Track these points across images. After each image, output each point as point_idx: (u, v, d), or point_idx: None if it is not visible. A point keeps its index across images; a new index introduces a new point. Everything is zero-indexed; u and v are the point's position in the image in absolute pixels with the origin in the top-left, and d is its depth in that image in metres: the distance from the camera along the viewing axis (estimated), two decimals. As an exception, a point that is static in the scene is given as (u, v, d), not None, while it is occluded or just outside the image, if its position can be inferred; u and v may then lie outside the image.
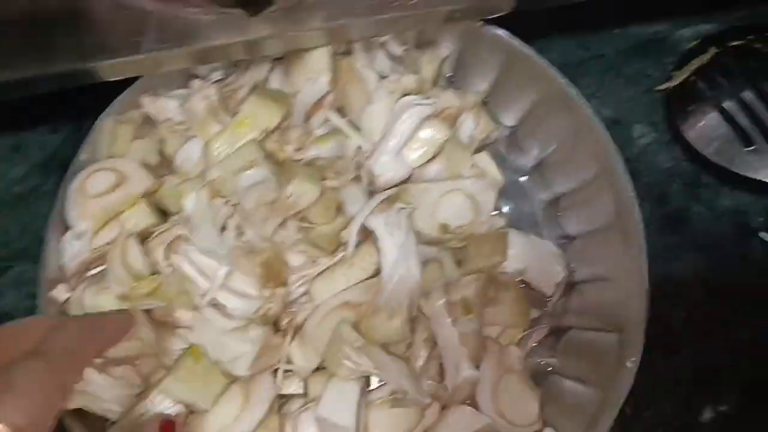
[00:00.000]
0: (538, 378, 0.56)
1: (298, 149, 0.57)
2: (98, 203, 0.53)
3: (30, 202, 0.66)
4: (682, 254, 0.63)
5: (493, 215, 0.59)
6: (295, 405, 0.52)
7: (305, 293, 0.54)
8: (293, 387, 0.53)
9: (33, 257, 0.64)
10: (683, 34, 0.74)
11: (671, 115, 0.68)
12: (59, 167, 0.67)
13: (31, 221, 0.65)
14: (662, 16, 0.75)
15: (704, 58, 0.70)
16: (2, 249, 0.65)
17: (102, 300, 0.50)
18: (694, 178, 0.66)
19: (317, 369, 0.53)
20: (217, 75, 0.60)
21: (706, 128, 0.66)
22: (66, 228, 0.55)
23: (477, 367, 0.52)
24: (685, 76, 0.70)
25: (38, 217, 0.65)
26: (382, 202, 0.54)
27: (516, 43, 0.61)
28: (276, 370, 0.52)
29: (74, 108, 0.69)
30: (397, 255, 0.52)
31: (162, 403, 0.45)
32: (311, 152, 0.56)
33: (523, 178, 0.66)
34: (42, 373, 0.33)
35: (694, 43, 0.72)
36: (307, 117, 0.61)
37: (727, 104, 0.66)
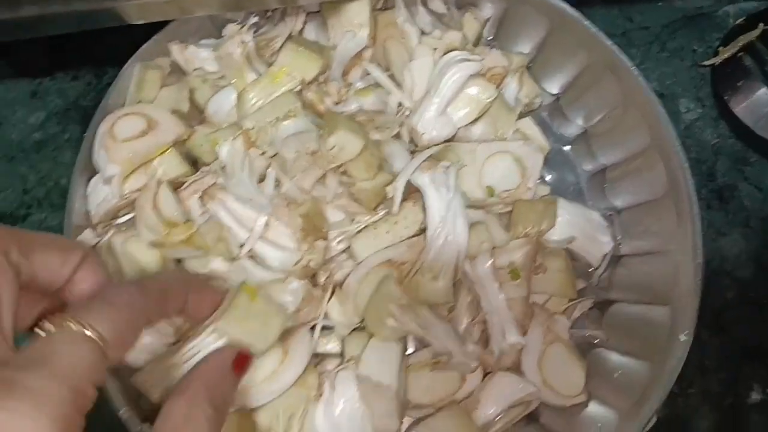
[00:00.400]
0: (582, 350, 0.54)
1: (338, 102, 0.55)
2: (128, 147, 0.51)
3: (49, 150, 0.64)
4: (730, 231, 0.61)
5: (537, 183, 0.57)
6: (330, 365, 0.49)
7: (344, 251, 0.51)
8: (330, 345, 0.50)
9: (53, 205, 0.62)
10: (727, 11, 0.73)
11: (718, 91, 0.66)
12: (79, 116, 0.65)
13: (50, 169, 0.63)
14: (706, -8, 0.73)
15: (753, 34, 0.68)
16: (22, 196, 0.62)
17: (132, 247, 0.47)
18: (741, 155, 0.65)
19: (354, 329, 0.50)
20: (252, 20, 0.57)
21: (755, 103, 0.64)
22: (92, 175, 0.53)
23: (523, 333, 0.50)
24: (732, 51, 0.68)
25: (58, 165, 0.63)
26: (427, 159, 0.52)
27: (562, 5, 0.59)
28: (313, 327, 0.49)
29: (95, 57, 0.67)
30: (444, 214, 0.50)
31: (213, 345, 0.41)
32: (352, 105, 0.54)
33: (566, 148, 0.63)
34: (134, 295, 0.34)
35: (741, 19, 0.71)
36: (345, 72, 0.58)
37: (779, 80, 0.64)
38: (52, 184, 0.62)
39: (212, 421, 0.34)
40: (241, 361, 0.40)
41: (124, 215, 0.52)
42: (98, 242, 0.50)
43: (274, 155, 0.52)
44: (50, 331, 0.29)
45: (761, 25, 0.68)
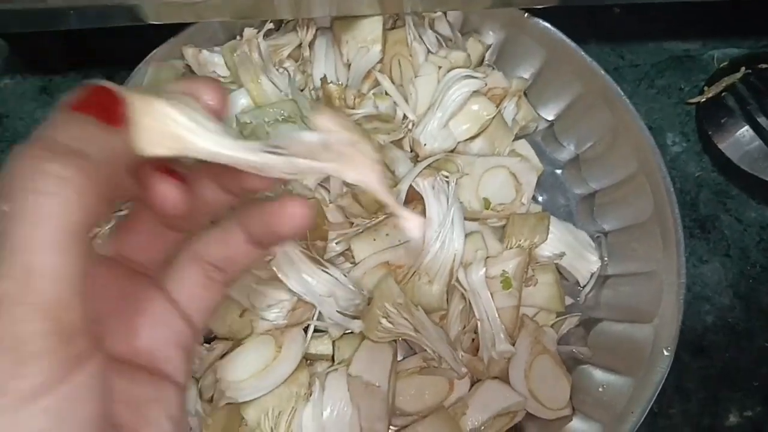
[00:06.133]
0: (568, 366, 0.52)
1: (353, 108, 0.54)
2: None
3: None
4: (711, 259, 0.60)
5: (530, 202, 0.56)
6: (321, 367, 0.47)
7: (342, 253, 0.50)
8: (322, 347, 0.48)
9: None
10: (712, 55, 0.73)
11: (703, 127, 0.66)
12: (86, 113, 0.62)
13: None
14: (694, 37, 0.73)
15: (735, 76, 0.68)
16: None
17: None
18: (723, 188, 0.64)
19: (345, 333, 0.48)
20: (268, 26, 0.56)
21: (737, 140, 0.64)
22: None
23: (512, 343, 0.48)
24: (716, 91, 0.68)
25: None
26: (428, 168, 0.51)
27: (561, 36, 0.59)
28: (307, 327, 0.47)
29: (106, 59, 0.65)
30: (442, 219, 0.48)
31: None
32: (367, 108, 0.53)
33: (559, 171, 0.62)
34: None
35: (725, 63, 0.71)
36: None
37: (761, 120, 0.64)
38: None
39: None
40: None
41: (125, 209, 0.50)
42: (97, 232, 0.48)
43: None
44: None
45: (743, 69, 0.68)
